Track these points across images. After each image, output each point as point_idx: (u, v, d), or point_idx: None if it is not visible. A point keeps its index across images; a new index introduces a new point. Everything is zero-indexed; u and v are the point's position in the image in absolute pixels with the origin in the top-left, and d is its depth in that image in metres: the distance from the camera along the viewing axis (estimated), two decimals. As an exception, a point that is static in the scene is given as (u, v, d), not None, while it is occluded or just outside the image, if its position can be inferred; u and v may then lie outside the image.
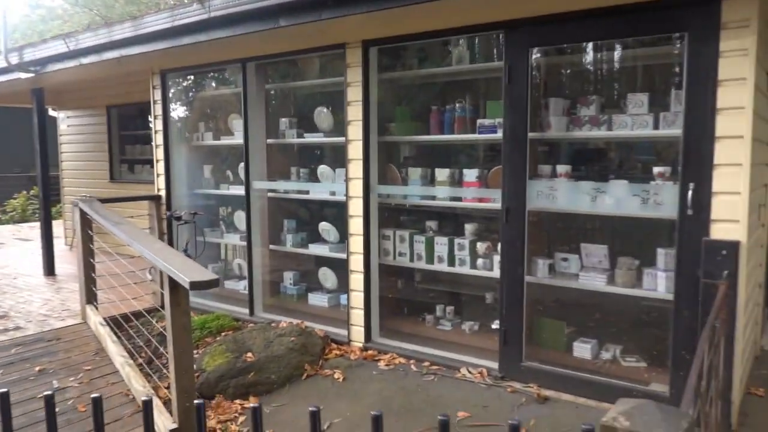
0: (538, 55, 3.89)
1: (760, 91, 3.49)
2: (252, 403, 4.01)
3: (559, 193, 3.89)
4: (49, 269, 7.64)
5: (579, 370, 3.86)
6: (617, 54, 4.00)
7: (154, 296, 6.06)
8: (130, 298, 5.35)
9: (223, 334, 4.98)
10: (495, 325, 4.50)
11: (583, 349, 3.99)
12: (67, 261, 8.44)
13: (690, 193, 3.28)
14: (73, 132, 9.97)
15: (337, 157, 5.37)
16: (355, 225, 4.65)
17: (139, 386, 3.96)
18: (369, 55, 4.47)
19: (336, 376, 4.26)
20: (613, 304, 4.17)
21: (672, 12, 3.29)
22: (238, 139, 5.65)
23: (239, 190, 5.74)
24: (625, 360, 3.89)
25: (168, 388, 4.15)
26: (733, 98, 3.12)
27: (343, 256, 4.95)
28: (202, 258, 5.78)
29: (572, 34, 3.68)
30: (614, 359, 3.93)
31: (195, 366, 4.36)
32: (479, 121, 4.23)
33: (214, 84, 6.03)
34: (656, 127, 3.62)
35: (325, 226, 5.26)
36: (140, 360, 4.64)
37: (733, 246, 3.15)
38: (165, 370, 4.51)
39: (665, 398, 3.44)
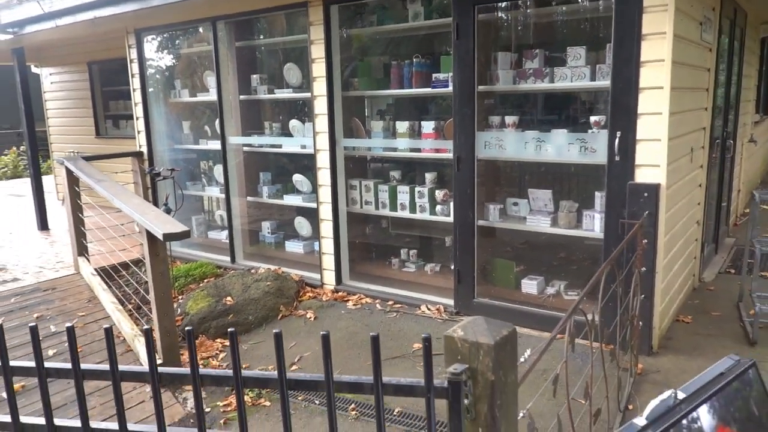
0: (484, 12, 4.09)
1: (688, 41, 3.75)
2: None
3: (506, 143, 4.18)
4: (43, 224, 7.97)
5: (526, 305, 4.25)
6: (558, 9, 4.21)
7: (143, 248, 6.41)
8: (118, 251, 5.72)
9: (206, 280, 5.36)
10: (453, 266, 4.88)
11: (530, 286, 4.37)
12: (59, 215, 8.77)
13: (617, 140, 3.58)
14: (57, 89, 10.12)
15: (307, 112, 5.62)
16: (323, 176, 4.96)
17: (128, 328, 4.36)
18: (330, 12, 4.67)
19: (308, 315, 4.66)
20: (557, 244, 4.54)
21: (603, -30, 3.50)
22: (213, 96, 5.87)
23: (217, 145, 6.02)
24: (567, 294, 4.29)
25: (154, 330, 4.57)
26: (655, 51, 3.38)
27: (314, 205, 5.28)
28: (186, 210, 6.11)
29: (515, -9, 3.89)
30: (558, 294, 4.32)
31: (180, 310, 4.77)
32: (434, 76, 4.48)
33: (188, 42, 6.21)
34: (593, 78, 3.88)
35: (298, 178, 5.57)
36: (129, 306, 5.03)
37: (654, 188, 3.48)
38: (150, 315, 4.92)
39: (596, 325, 3.83)
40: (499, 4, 4.17)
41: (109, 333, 1.59)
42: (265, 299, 4.76)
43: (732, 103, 5.74)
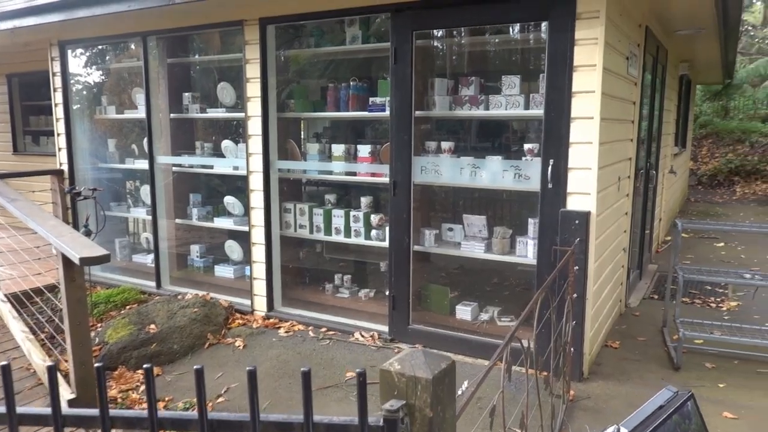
0: (423, 38, 4.12)
1: (616, 74, 3.88)
2: (154, 372, 4.16)
3: (442, 168, 4.18)
4: (-52, 246, 7.38)
5: (460, 331, 4.23)
6: (494, 38, 4.30)
7: (58, 272, 6.02)
8: (31, 275, 5.34)
9: (128, 307, 5.07)
10: (388, 292, 4.81)
11: (464, 312, 4.36)
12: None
13: (550, 168, 3.64)
14: (-28, 102, 9.49)
15: (241, 132, 5.48)
16: (256, 199, 4.81)
17: (39, 360, 4.03)
18: (267, 32, 4.59)
19: (237, 344, 4.47)
20: (491, 270, 4.56)
21: (536, 2, 3.59)
22: (141, 113, 5.64)
23: (144, 165, 5.76)
24: (500, 320, 4.30)
25: (68, 361, 4.25)
26: (586, 82, 3.48)
27: (246, 228, 5.12)
28: (110, 233, 5.80)
29: (451, 19, 3.93)
30: (491, 320, 4.32)
31: (98, 339, 4.47)
32: (371, 99, 4.45)
33: (116, 56, 5.96)
34: (527, 107, 3.95)
35: (229, 200, 5.39)
36: (42, 336, 4.68)
37: (585, 216, 3.55)
38: (65, 345, 4.59)
39: (531, 352, 3.85)
40: (437, 31, 4.21)
41: (6, 370, 1.43)
42: (192, 327, 4.53)
43: (654, 135, 6.01)
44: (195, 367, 1.47)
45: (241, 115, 4.85)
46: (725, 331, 4.31)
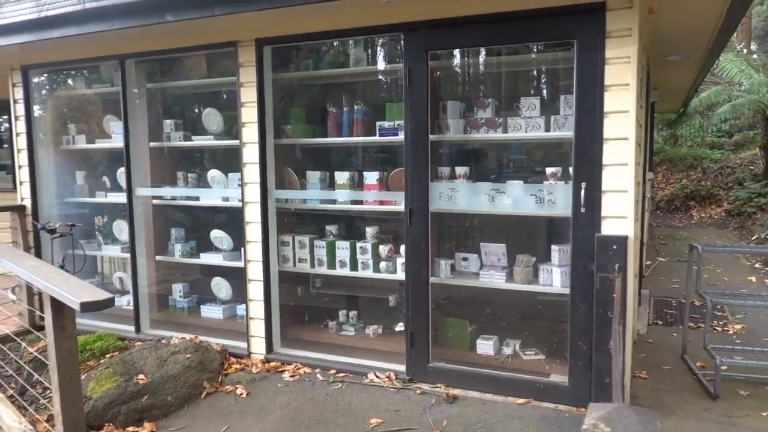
0: (434, 59, 3.93)
1: (638, 95, 3.78)
2: (147, 429, 3.71)
3: (459, 195, 3.96)
4: None
5: (483, 367, 3.96)
6: (512, 59, 4.15)
7: (21, 317, 5.44)
8: None
9: (108, 355, 4.56)
10: (399, 328, 4.52)
11: (485, 346, 4.10)
12: None
13: (582, 191, 3.47)
14: None
15: (229, 161, 5.13)
16: (253, 231, 4.45)
17: (13, 422, 3.51)
18: (263, 54, 4.30)
19: (239, 391, 4.05)
20: (511, 301, 4.34)
21: (561, 20, 3.46)
22: (116, 143, 5.21)
23: (118, 198, 5.31)
24: (525, 354, 4.06)
25: (49, 421, 3.74)
26: (618, 102, 3.35)
27: (238, 264, 4.76)
28: (79, 274, 5.27)
29: (468, 38, 3.75)
30: (515, 354, 4.08)
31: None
32: (379, 124, 4.21)
33: (86, 82, 5.52)
34: (548, 129, 3.80)
35: (217, 234, 5.00)
36: (10, 391, 4.13)
37: (622, 240, 3.38)
38: (43, 400, 4.06)
39: (565, 388, 3.62)
40: (452, 51, 4.03)
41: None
42: (186, 375, 4.09)
43: (641, 160, 6.00)
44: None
45: (235, 142, 4.52)
46: (747, 355, 4.21)
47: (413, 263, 3.96)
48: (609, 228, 3.44)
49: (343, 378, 4.14)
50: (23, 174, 5.51)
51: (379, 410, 3.66)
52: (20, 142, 5.48)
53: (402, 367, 4.11)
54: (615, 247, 3.38)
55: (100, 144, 5.42)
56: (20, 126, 5.47)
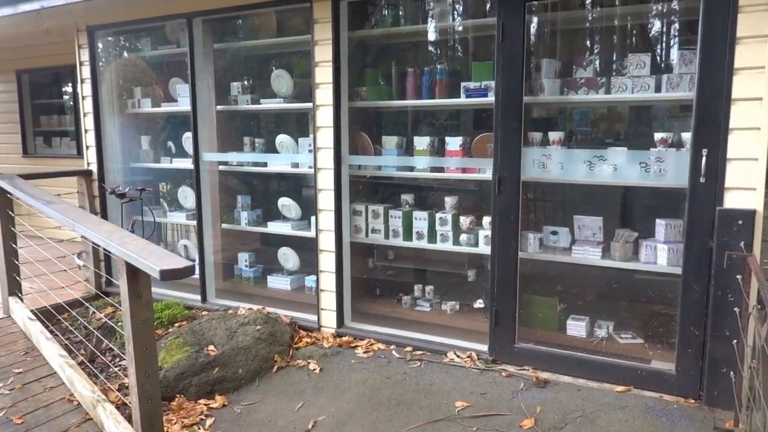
0: (529, 12, 3.56)
1: None
2: (219, 402, 3.56)
3: (552, 162, 3.62)
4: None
5: (574, 350, 3.65)
6: (619, 10, 3.73)
7: (87, 284, 5.40)
8: (60, 287, 4.73)
9: (176, 324, 4.45)
10: (478, 304, 4.24)
11: (576, 327, 3.78)
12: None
13: (703, 159, 3.08)
14: (-23, 101, 8.84)
15: (298, 125, 4.90)
16: (325, 199, 4.22)
17: (85, 390, 3.41)
18: (340, 9, 4.01)
19: (311, 366, 3.86)
20: (603, 279, 3.99)
21: (685, -37, 3.04)
22: (182, 106, 5.04)
23: (184, 163, 5.17)
24: (621, 337, 3.72)
25: (121, 390, 3.63)
26: (752, 57, 2.92)
27: (306, 233, 4.57)
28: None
29: (572, -13, 3.37)
30: (609, 336, 3.75)
31: (148, 363, 3.85)
32: (464, 85, 3.88)
33: (152, 43, 5.34)
34: (658, 89, 3.40)
35: (285, 202, 4.79)
36: (80, 357, 4.06)
37: (749, 215, 2.98)
38: (113, 368, 3.97)
39: (671, 376, 3.28)
40: (545, 3, 3.63)
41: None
42: (257, 347, 3.92)
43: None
44: None
45: (306, 105, 4.27)
46: None
47: (501, 236, 3.65)
48: (733, 200, 3.05)
49: (420, 356, 3.90)
50: (89, 138, 5.41)
51: (464, 393, 3.41)
52: (86, 105, 5.38)
53: (483, 347, 3.84)
54: (740, 222, 2.99)
55: (166, 108, 5.26)
56: (86, 89, 5.36)
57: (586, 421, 3.06)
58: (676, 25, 3.56)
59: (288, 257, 4.93)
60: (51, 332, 4.22)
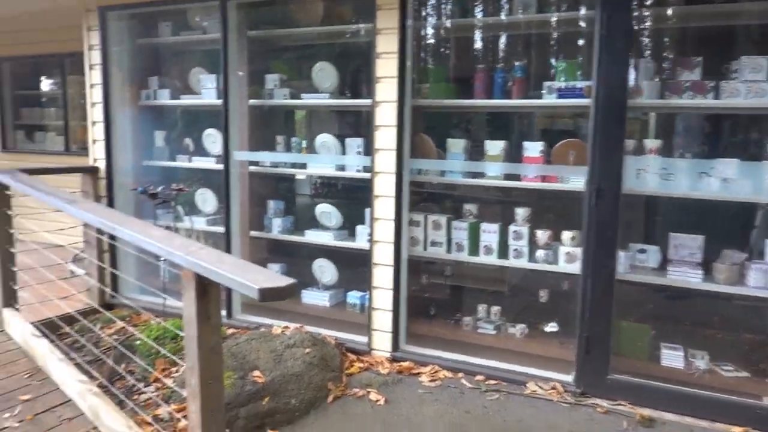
0: (644, 2, 3.21)
1: None
2: (272, 439, 3.06)
3: (649, 173, 3.26)
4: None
5: (671, 382, 3.27)
6: (732, 8, 3.40)
7: (89, 294, 4.79)
8: (53, 298, 4.15)
9: (206, 344, 3.90)
10: (550, 328, 3.85)
11: (673, 357, 3.41)
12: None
13: None
14: (-51, 88, 8.06)
15: (341, 124, 4.44)
16: (384, 207, 3.76)
17: (118, 425, 2.86)
18: (408, -4, 3.59)
19: (372, 397, 3.39)
20: (695, 303, 3.63)
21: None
22: (207, 99, 4.53)
23: (205, 163, 4.66)
24: (722, 369, 3.36)
25: (164, 420, 3.09)
26: None
27: (350, 244, 4.14)
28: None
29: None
30: (710, 369, 3.38)
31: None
32: (548, 84, 3.49)
33: (172, 28, 4.79)
34: (777, 96, 3.08)
35: (325, 209, 4.31)
36: (100, 378, 3.51)
37: None
38: (138, 393, 3.42)
39: (796, 416, 2.94)
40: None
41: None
42: (310, 374, 3.43)
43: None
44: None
45: (359, 102, 3.83)
46: None
47: (596, 254, 3.26)
48: None
49: (496, 386, 3.47)
50: (96, 131, 4.82)
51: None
52: (95, 94, 4.79)
53: (565, 377, 3.44)
54: None
55: (187, 100, 4.73)
56: (95, 76, 4.77)
57: (716, 468, 2.68)
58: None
59: (324, 270, 4.44)
60: (64, 353, 3.63)
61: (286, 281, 2.06)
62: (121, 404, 3.18)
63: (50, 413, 3.17)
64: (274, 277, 2.11)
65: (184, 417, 3.06)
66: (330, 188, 4.55)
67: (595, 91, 3.18)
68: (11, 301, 4.18)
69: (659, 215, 3.75)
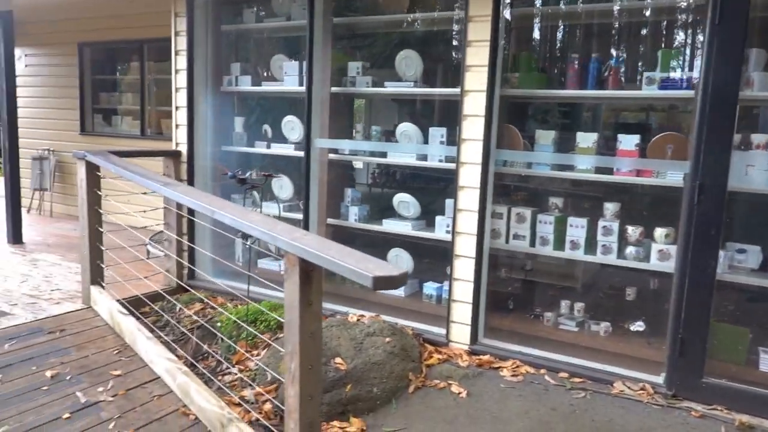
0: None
1: None
2: (355, 426, 3.06)
3: (756, 170, 3.10)
4: (16, 236, 6.29)
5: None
6: None
7: (167, 275, 4.91)
8: (136, 277, 4.28)
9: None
10: (636, 327, 3.72)
11: (773, 363, 3.25)
12: (29, 226, 7.06)
13: None
14: (33, 73, 8.43)
15: (423, 113, 4.40)
16: (468, 199, 3.71)
17: (208, 404, 2.92)
18: (502, -18, 3.51)
19: (454, 389, 3.35)
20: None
21: None
22: (288, 86, 4.56)
23: (284, 149, 4.70)
24: (828, 378, 3.19)
25: (249, 401, 3.14)
26: None
27: (428, 234, 4.13)
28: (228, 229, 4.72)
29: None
30: (814, 376, 3.22)
31: (269, 375, 3.37)
32: (648, 75, 3.35)
33: (256, 15, 4.85)
34: None
35: (404, 198, 4.29)
36: (186, 356, 3.60)
37: None
38: (221, 374, 3.49)
39: None
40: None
41: None
42: (391, 363, 3.42)
43: None
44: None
45: (447, 90, 3.77)
46: None
47: (697, 253, 3.13)
48: None
49: (581, 384, 3.38)
50: (180, 116, 4.93)
51: (656, 435, 2.89)
52: (179, 80, 4.89)
53: (655, 378, 3.32)
54: None
55: (269, 87, 4.78)
56: (180, 62, 4.87)
57: (828, 483, 2.54)
58: None
59: (401, 260, 4.43)
60: (150, 330, 3.74)
61: (398, 270, 2.05)
62: (207, 384, 3.25)
63: (141, 389, 3.26)
64: (383, 265, 2.10)
65: (269, 400, 3.13)
66: (407, 178, 4.52)
67: (702, 82, 3.04)
68: (98, 278, 4.33)
69: (760, 214, 3.56)
